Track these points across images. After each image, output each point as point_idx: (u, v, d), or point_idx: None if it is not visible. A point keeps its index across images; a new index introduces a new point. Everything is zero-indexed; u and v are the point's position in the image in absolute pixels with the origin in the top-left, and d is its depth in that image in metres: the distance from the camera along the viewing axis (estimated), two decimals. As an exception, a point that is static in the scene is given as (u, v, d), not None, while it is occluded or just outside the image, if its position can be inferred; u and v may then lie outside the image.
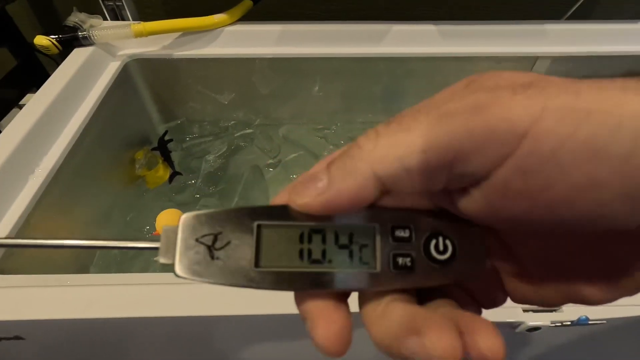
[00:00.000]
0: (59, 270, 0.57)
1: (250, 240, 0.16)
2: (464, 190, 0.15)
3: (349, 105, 0.81)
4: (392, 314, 0.15)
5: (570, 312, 0.32)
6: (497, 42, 0.71)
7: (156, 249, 0.16)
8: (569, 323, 0.32)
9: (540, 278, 0.17)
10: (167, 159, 0.78)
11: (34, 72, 0.86)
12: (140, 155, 0.75)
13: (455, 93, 0.15)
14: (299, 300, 0.16)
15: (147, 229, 0.67)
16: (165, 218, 0.64)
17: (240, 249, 0.16)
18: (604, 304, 0.16)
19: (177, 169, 0.77)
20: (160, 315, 0.36)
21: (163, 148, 0.79)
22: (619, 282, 0.15)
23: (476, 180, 0.14)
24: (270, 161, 0.76)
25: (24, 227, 0.48)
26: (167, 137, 0.80)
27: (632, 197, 0.12)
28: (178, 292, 0.37)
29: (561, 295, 0.17)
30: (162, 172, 0.77)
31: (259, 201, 0.70)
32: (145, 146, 0.79)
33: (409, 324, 0.14)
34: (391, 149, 0.14)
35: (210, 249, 0.16)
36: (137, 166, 0.75)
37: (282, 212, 0.16)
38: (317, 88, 0.78)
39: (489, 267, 0.17)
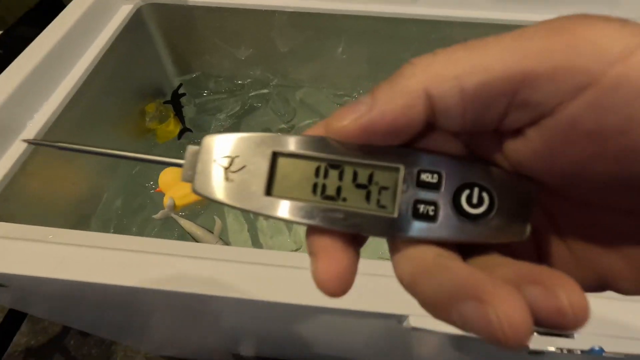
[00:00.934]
0: (60, 219, 0.56)
1: (265, 167, 0.16)
2: (518, 132, 0.13)
3: (374, 72, 0.74)
4: (444, 271, 0.13)
5: (583, 339, 0.27)
6: (561, 8, 0.62)
7: (180, 165, 0.17)
8: (579, 352, 0.28)
9: (578, 256, 0.15)
10: (179, 114, 0.75)
11: (55, 9, 0.84)
12: (151, 107, 0.73)
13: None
14: (308, 234, 0.16)
15: (151, 183, 0.65)
16: (169, 176, 0.62)
17: (254, 174, 0.16)
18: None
19: (188, 125, 0.74)
20: (143, 287, 0.34)
21: (176, 102, 0.76)
22: None
23: (538, 116, 0.12)
24: (283, 126, 0.72)
25: (19, 173, 0.47)
26: (181, 91, 0.77)
27: None
28: (167, 263, 0.35)
29: (594, 278, 0.15)
30: (172, 127, 0.74)
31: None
32: (158, 99, 0.76)
33: (465, 285, 0.12)
34: (450, 65, 0.13)
35: (226, 171, 0.16)
36: (147, 119, 0.72)
37: (305, 143, 0.16)
38: (340, 50, 0.72)
39: (531, 230, 0.15)
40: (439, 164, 0.15)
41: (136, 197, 0.65)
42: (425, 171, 0.15)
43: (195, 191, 0.16)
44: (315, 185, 0.16)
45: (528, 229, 0.14)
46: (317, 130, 0.16)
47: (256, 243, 0.59)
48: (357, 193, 0.15)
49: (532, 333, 0.11)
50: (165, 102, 0.76)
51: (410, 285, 0.14)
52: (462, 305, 0.12)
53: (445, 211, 0.15)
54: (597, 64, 0.11)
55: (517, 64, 0.12)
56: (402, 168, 0.15)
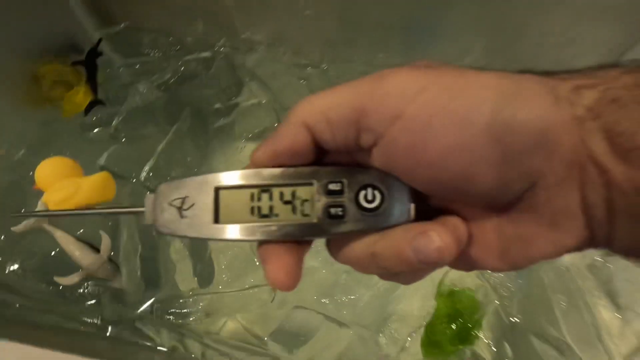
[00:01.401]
0: None
1: (210, 201, 0.20)
2: (370, 150, 0.18)
3: (350, 36, 0.54)
4: (392, 232, 0.18)
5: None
6: None
7: (142, 212, 0.20)
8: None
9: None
10: (92, 80, 0.57)
11: None
12: (48, 69, 0.55)
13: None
14: (258, 246, 0.20)
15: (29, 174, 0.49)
16: (47, 170, 0.45)
17: (203, 208, 0.20)
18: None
19: (100, 96, 0.57)
20: None
21: (90, 63, 0.58)
22: (510, 255, 0.18)
23: (377, 137, 0.18)
24: (219, 106, 0.53)
25: None
26: (100, 49, 0.59)
27: (494, 162, 0.16)
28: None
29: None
30: (82, 97, 0.57)
31: (183, 162, 0.49)
32: (67, 57, 0.58)
33: (413, 230, 0.18)
34: (318, 103, 0.18)
35: (180, 210, 0.20)
36: (45, 85, 0.55)
37: (241, 176, 0.20)
38: (305, 2, 0.52)
39: (414, 214, 0.19)
40: (340, 174, 0.19)
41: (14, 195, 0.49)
42: (332, 182, 0.19)
43: (158, 231, 0.20)
44: (252, 208, 0.20)
45: (412, 211, 0.19)
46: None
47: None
48: (286, 208, 0.19)
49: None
50: (74, 63, 0.58)
51: (365, 270, 0.20)
52: (414, 242, 0.17)
53: (351, 210, 0.19)
54: (402, 101, 0.17)
55: (355, 101, 0.18)
56: (315, 182, 0.19)
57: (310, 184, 0.19)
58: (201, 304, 0.47)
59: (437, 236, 0.17)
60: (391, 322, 0.47)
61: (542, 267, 0.46)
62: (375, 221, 0.19)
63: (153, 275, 0.47)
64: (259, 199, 0.19)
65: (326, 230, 0.19)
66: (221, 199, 0.20)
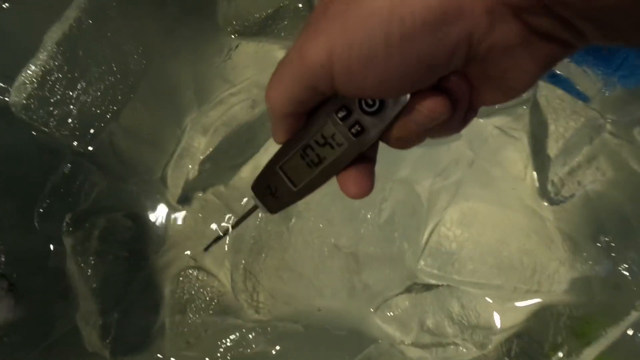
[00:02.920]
0: None
1: (283, 177, 0.25)
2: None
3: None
4: (401, 117, 0.22)
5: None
6: None
7: (258, 208, 0.27)
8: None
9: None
10: None
11: None
12: None
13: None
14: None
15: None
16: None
17: (283, 185, 0.25)
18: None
19: None
20: None
21: None
22: (503, 90, 0.21)
23: (333, 91, 0.21)
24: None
25: None
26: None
27: (416, 69, 0.19)
28: None
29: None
30: None
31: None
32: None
33: (410, 108, 0.21)
34: (280, 95, 0.22)
35: (273, 194, 0.26)
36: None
37: (283, 151, 0.25)
38: None
39: (409, 95, 0.22)
40: (339, 101, 0.23)
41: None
42: (338, 111, 0.23)
43: (274, 212, 0.27)
44: (308, 164, 0.24)
45: (407, 96, 0.21)
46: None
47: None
48: (326, 149, 0.24)
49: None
50: None
51: (408, 146, 0.24)
52: (412, 117, 0.21)
53: (366, 121, 0.22)
54: (326, 68, 0.20)
55: (301, 82, 0.21)
56: (328, 120, 0.23)
57: (326, 122, 0.23)
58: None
59: (423, 107, 0.21)
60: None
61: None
62: (387, 116, 0.22)
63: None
64: (307, 155, 0.24)
65: (361, 145, 0.23)
66: (286, 171, 0.25)
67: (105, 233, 0.55)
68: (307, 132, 0.24)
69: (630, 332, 0.52)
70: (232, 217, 0.59)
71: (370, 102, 0.22)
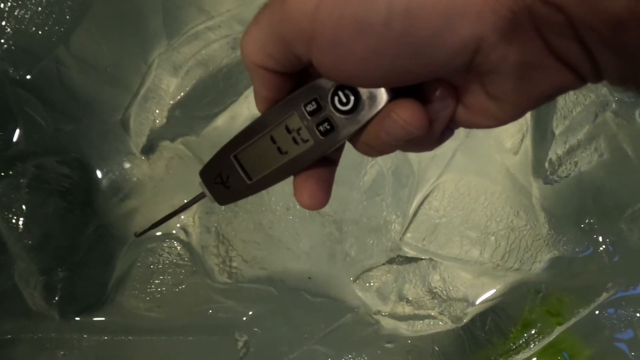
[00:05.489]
0: None
1: (237, 166, 0.23)
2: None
3: None
4: (372, 122, 0.20)
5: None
6: None
7: (204, 197, 0.24)
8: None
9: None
10: None
11: None
12: None
13: None
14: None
15: None
16: None
17: (236, 174, 0.23)
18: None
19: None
20: None
21: None
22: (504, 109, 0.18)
23: (308, 59, 0.18)
24: None
25: None
26: None
27: (412, 53, 0.16)
28: None
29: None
30: None
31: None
32: None
33: (383, 115, 0.19)
34: (253, 44, 0.19)
35: (224, 183, 0.23)
36: None
37: (240, 137, 0.22)
38: None
39: (387, 97, 0.20)
40: (309, 93, 0.20)
41: None
42: (307, 104, 0.20)
43: (222, 205, 0.24)
44: (266, 156, 0.22)
45: (384, 95, 0.19)
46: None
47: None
48: (289, 143, 0.21)
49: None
50: None
51: (377, 154, 0.21)
52: (384, 126, 0.19)
53: (336, 119, 0.20)
54: (305, 22, 0.17)
55: (276, 33, 0.18)
56: (293, 111, 0.21)
57: (292, 114, 0.21)
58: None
59: (398, 117, 0.18)
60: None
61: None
62: (361, 117, 0.20)
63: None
64: (266, 146, 0.22)
65: (328, 145, 0.21)
66: (241, 161, 0.22)
67: (36, 181, 0.47)
68: (269, 120, 0.21)
69: (597, 312, 0.54)
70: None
71: (344, 99, 0.20)
